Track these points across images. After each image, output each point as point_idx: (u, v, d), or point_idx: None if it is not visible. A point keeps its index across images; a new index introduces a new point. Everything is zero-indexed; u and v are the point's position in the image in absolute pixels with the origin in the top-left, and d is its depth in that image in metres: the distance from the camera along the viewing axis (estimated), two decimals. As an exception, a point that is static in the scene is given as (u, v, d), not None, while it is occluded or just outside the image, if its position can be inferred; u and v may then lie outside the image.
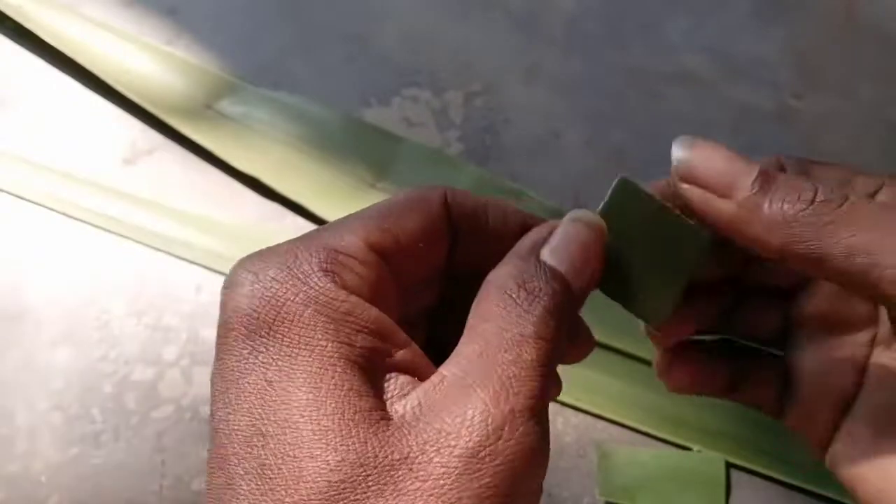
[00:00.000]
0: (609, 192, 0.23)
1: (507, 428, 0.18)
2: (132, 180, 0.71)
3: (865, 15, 0.87)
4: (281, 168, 0.71)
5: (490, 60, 0.81)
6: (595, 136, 0.74)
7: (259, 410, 0.18)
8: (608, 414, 0.60)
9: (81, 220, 0.68)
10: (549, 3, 0.85)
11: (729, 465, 0.59)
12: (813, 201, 0.20)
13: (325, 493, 0.17)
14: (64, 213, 0.68)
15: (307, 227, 0.69)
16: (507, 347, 0.19)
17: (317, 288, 0.19)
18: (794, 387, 0.26)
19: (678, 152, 0.22)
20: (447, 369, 0.19)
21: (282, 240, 0.22)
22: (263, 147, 0.72)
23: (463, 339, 0.20)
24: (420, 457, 0.17)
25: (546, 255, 0.21)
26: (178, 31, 0.80)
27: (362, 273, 0.20)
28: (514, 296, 0.20)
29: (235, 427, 0.18)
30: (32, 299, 0.64)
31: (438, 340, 0.23)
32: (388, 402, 0.19)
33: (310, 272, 0.19)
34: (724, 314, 0.28)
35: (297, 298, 0.19)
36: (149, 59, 0.76)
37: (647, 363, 0.62)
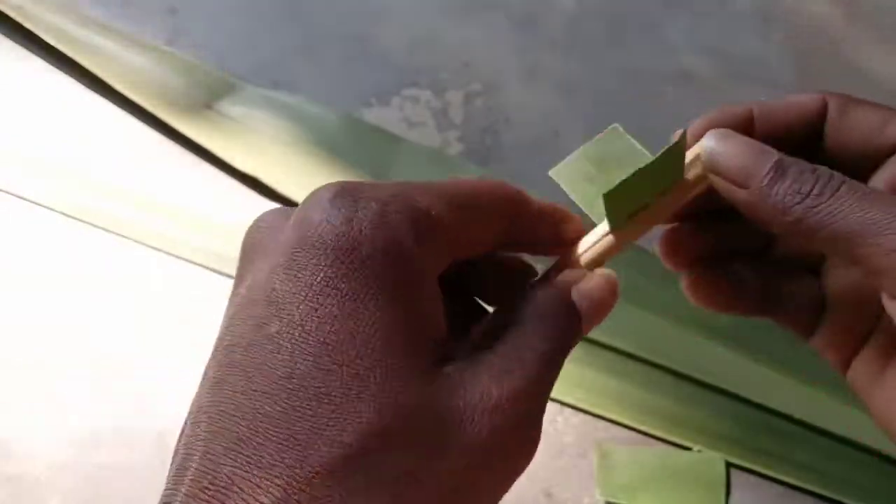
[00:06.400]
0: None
1: (525, 422, 0.21)
2: (132, 180, 0.71)
3: (865, 15, 0.87)
4: (281, 168, 0.71)
5: (490, 60, 0.81)
6: (595, 136, 0.74)
7: (334, 339, 0.18)
8: (608, 414, 0.60)
9: (81, 220, 0.68)
10: (549, 3, 0.85)
11: (729, 465, 0.59)
12: (809, 194, 0.23)
13: (383, 432, 0.18)
14: (63, 213, 0.68)
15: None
16: (531, 347, 0.22)
17: (409, 248, 0.20)
18: (827, 311, 0.28)
19: (708, 143, 0.25)
20: (481, 354, 0.21)
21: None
22: (263, 147, 0.72)
23: (491, 324, 0.23)
24: (464, 415, 0.20)
25: (575, 295, 0.24)
26: (178, 30, 0.80)
27: (438, 246, 0.21)
28: (545, 316, 0.23)
29: (303, 345, 0.18)
30: (32, 299, 0.64)
31: None
32: (439, 362, 0.21)
33: (403, 230, 0.20)
34: (764, 238, 0.29)
35: (393, 251, 0.20)
36: (149, 59, 0.76)
37: (648, 363, 0.62)
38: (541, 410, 0.21)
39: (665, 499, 0.58)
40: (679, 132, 0.25)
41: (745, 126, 0.26)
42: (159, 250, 0.67)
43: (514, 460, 0.21)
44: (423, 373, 0.19)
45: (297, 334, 0.19)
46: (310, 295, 0.19)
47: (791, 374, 0.63)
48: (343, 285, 0.19)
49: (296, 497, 0.17)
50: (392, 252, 0.20)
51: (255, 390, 0.18)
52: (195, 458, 0.19)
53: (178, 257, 0.66)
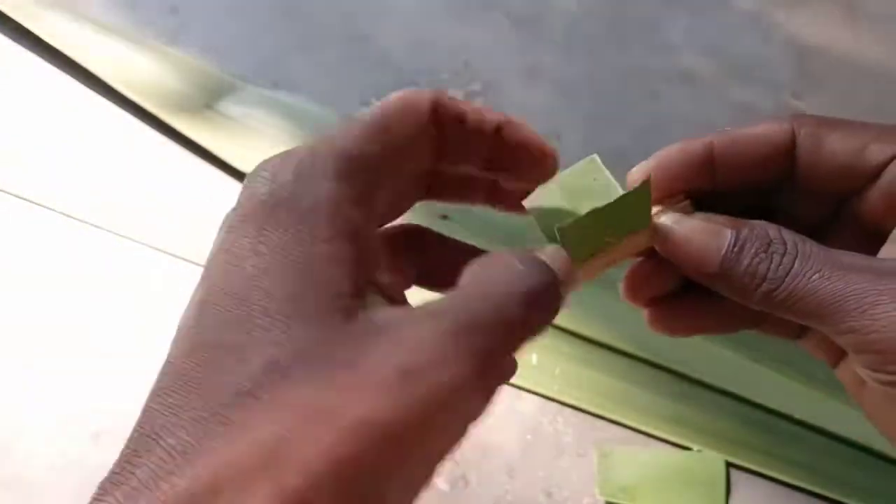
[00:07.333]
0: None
1: (453, 361, 0.18)
2: (132, 180, 0.71)
3: (865, 14, 0.87)
4: (281, 168, 0.71)
5: (490, 60, 0.81)
6: (595, 136, 0.74)
7: (247, 293, 0.19)
8: (608, 414, 0.60)
9: (81, 220, 0.68)
10: (550, 3, 0.85)
11: (729, 465, 0.59)
12: (765, 278, 0.23)
13: (285, 365, 0.18)
14: (63, 213, 0.68)
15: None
16: (488, 297, 0.20)
17: (328, 191, 0.20)
18: None
19: (661, 228, 0.25)
20: (425, 306, 0.20)
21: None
22: (263, 147, 0.73)
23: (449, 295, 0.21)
24: (367, 356, 0.18)
25: (545, 256, 0.23)
26: (179, 30, 0.80)
27: (367, 181, 0.21)
28: (513, 264, 0.21)
29: (216, 306, 0.20)
30: (33, 299, 0.64)
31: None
32: (359, 306, 0.20)
33: (324, 175, 0.21)
34: None
35: (310, 197, 0.20)
36: (149, 59, 0.76)
37: (648, 363, 0.62)
38: (476, 358, 0.19)
39: (665, 499, 0.58)
40: (639, 173, 0.25)
41: (704, 165, 0.26)
42: (159, 250, 0.67)
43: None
44: (344, 307, 0.19)
45: (213, 296, 0.20)
46: (228, 258, 0.20)
47: (791, 374, 0.63)
48: (261, 247, 0.20)
49: (202, 426, 0.19)
50: (309, 197, 0.20)
51: (177, 355, 0.20)
52: (145, 414, 0.20)
53: (178, 257, 0.66)
